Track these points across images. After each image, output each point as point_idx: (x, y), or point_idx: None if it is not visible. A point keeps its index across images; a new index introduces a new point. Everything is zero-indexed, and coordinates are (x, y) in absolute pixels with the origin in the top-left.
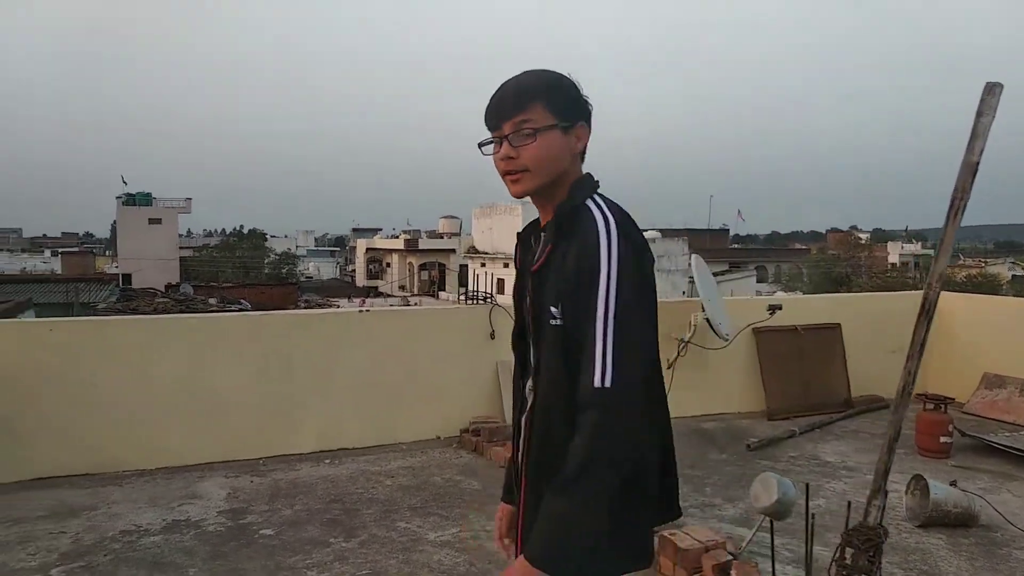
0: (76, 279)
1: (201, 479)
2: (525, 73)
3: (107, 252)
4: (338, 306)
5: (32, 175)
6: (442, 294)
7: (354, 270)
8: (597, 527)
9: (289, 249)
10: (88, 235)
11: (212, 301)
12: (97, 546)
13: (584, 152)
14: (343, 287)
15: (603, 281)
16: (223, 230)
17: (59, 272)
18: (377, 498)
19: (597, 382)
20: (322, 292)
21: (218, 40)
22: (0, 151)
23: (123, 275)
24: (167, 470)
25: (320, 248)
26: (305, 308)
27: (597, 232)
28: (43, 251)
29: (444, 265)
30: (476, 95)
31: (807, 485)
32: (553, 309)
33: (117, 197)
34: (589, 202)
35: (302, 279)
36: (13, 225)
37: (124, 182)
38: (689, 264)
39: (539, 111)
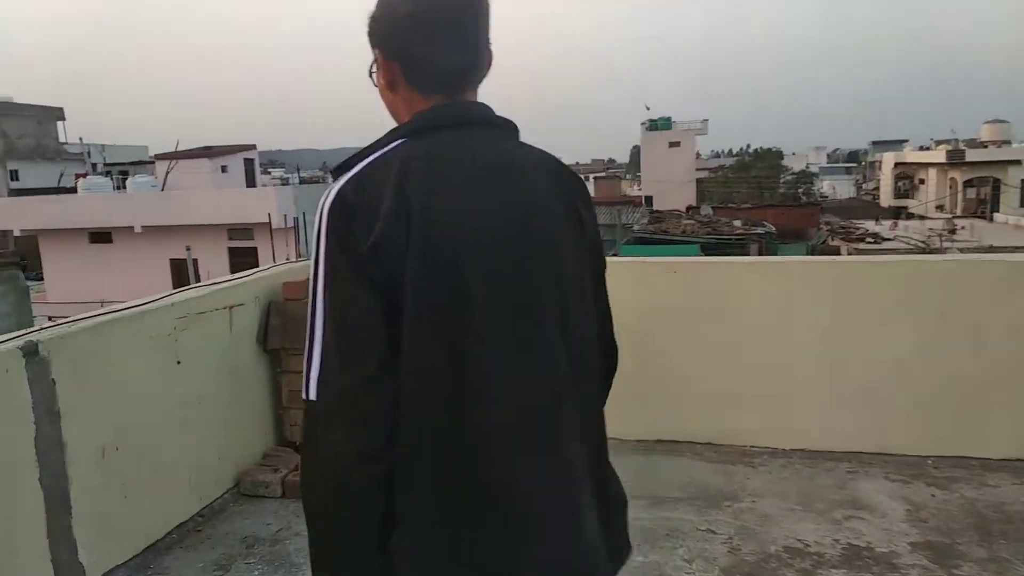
0: (610, 202)
1: (854, 476)
2: None
3: (627, 176)
4: (865, 230)
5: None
6: (997, 216)
7: (875, 188)
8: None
9: (805, 167)
10: (611, 160)
11: (736, 223)
12: (761, 567)
13: (411, 83)
14: (865, 207)
15: (312, 260)
16: (730, 150)
17: (593, 196)
18: None
19: (303, 392)
20: (842, 213)
21: None
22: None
23: (646, 197)
24: (804, 453)
25: (833, 165)
26: (826, 231)
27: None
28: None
29: (999, 180)
30: None
31: None
32: None
33: (642, 123)
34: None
35: (818, 199)
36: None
37: (647, 108)
38: None
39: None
